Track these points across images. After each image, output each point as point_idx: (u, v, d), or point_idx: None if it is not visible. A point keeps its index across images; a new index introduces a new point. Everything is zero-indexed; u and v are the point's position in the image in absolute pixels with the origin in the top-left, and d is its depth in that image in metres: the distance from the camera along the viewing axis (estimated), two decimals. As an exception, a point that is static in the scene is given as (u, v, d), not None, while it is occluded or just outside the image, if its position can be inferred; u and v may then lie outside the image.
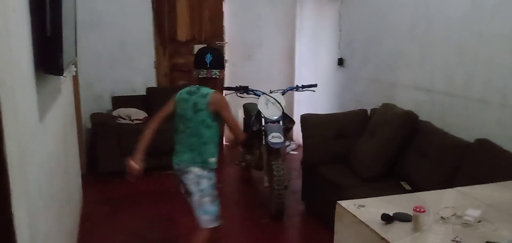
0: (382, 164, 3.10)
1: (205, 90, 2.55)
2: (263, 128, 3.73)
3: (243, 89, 3.94)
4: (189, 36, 5.41)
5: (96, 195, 4.12)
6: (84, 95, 4.88)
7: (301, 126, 3.65)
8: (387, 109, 3.35)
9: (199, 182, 2.57)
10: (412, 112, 3.14)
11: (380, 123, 3.23)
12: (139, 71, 5.27)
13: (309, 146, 3.61)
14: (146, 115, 4.83)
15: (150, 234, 3.44)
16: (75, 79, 4.18)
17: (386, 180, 3.04)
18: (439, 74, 3.30)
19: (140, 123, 4.76)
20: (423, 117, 3.20)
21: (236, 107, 4.99)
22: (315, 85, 4.03)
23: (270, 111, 3.76)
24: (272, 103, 3.79)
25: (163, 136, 4.57)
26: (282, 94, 3.91)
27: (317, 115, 3.76)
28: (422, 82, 3.48)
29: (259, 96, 3.86)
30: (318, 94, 4.63)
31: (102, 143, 4.44)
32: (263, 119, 3.76)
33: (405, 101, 3.55)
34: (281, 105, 3.77)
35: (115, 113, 4.81)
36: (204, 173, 2.58)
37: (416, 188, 2.83)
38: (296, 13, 5.71)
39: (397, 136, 3.08)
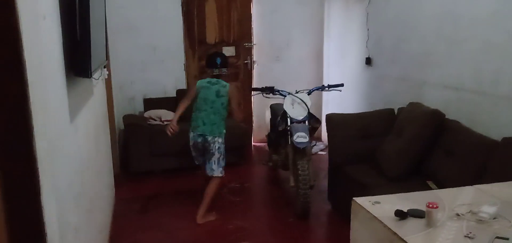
0: (408, 163, 3.07)
1: (223, 82, 3.67)
2: (288, 128, 3.76)
3: (269, 90, 3.99)
4: (218, 38, 5.51)
5: (128, 194, 4.28)
6: (117, 97, 5.08)
7: (327, 126, 3.66)
8: (414, 108, 3.31)
9: (220, 147, 3.62)
10: (439, 110, 3.09)
11: (407, 122, 3.20)
12: (170, 74, 5.42)
13: (334, 145, 3.62)
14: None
15: (178, 231, 3.54)
16: (108, 82, 4.35)
17: (412, 180, 3.00)
18: (467, 72, 3.23)
19: (168, 124, 4.90)
20: (451, 115, 3.14)
21: (263, 107, 5.06)
22: (341, 85, 4.02)
23: (295, 111, 3.79)
24: (297, 103, 3.82)
25: (189, 137, 4.70)
26: (308, 94, 3.92)
27: (342, 115, 3.76)
28: (450, 81, 3.41)
29: (285, 96, 3.90)
30: (346, 94, 4.63)
31: (134, 143, 4.60)
32: (289, 119, 3.79)
33: (433, 100, 3.49)
34: (307, 105, 3.79)
35: (146, 114, 4.97)
36: (221, 139, 3.63)
37: (442, 187, 2.80)
38: (324, 13, 5.70)
39: (424, 134, 3.04)
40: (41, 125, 1.46)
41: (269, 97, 4.11)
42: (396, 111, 3.65)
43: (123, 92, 5.29)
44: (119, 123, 4.99)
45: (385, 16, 4.35)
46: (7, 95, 1.30)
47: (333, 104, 5.44)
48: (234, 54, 5.61)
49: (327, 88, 4.02)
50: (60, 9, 1.91)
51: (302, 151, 3.55)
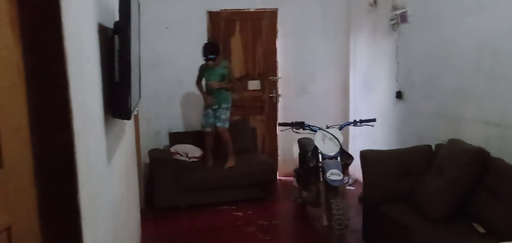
0: (451, 204, 2.91)
1: (222, 63, 4.75)
2: (320, 164, 3.65)
3: (298, 125, 3.89)
4: (243, 72, 5.49)
5: (154, 231, 4.19)
6: (143, 131, 5.05)
7: (361, 163, 3.54)
8: (455, 145, 3.17)
9: (227, 113, 4.79)
10: (483, 148, 2.94)
11: (448, 160, 3.05)
12: (195, 108, 5.38)
13: (370, 183, 3.48)
14: (202, 152, 4.90)
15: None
16: (136, 116, 4.33)
17: (456, 222, 2.84)
18: (510, 107, 3.09)
19: (196, 161, 4.84)
20: (493, 153, 2.99)
21: (289, 141, 4.95)
22: (373, 120, 3.91)
23: (327, 147, 3.68)
24: (329, 138, 3.71)
25: (215, 173, 4.63)
26: (339, 129, 3.82)
27: (378, 152, 3.63)
28: (491, 116, 3.27)
29: (316, 131, 3.80)
30: (375, 128, 4.47)
31: (159, 178, 4.53)
32: (320, 155, 3.68)
33: (473, 136, 3.34)
34: (338, 141, 3.68)
35: (172, 149, 4.92)
36: (229, 106, 4.80)
37: (491, 231, 2.63)
38: (350, 47, 5.64)
39: (467, 174, 2.88)
40: (85, 174, 1.39)
41: (298, 132, 4.01)
42: (433, 148, 3.51)
43: (149, 126, 5.27)
44: (144, 157, 4.95)
45: (416, 50, 4.26)
46: (54, 143, 1.24)
47: (360, 138, 5.32)
48: (259, 88, 5.56)
49: (359, 123, 3.90)
50: (100, 49, 1.87)
51: (335, 189, 3.42)
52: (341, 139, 3.71)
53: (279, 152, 5.74)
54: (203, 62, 4.69)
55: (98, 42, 1.85)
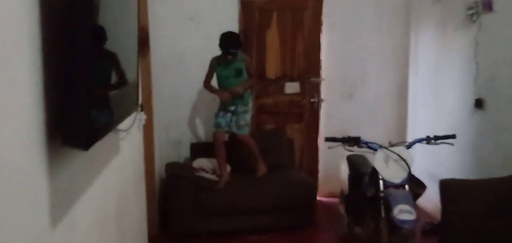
0: None
1: (239, 56, 3.89)
2: (382, 194, 2.76)
3: (353, 141, 3.00)
4: (280, 72, 4.64)
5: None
6: (161, 140, 4.31)
7: (441, 196, 2.62)
8: None
9: (247, 117, 3.98)
10: None
11: None
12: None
13: (453, 224, 2.58)
14: (230, 168, 4.07)
15: None
16: (149, 124, 3.57)
17: None
18: None
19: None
20: None
21: (332, 154, 3.94)
22: (453, 136, 2.97)
23: (391, 171, 2.79)
24: (393, 160, 2.82)
25: (242, 193, 3.79)
26: (408, 148, 2.91)
27: (463, 181, 2.71)
28: None
29: (376, 150, 2.91)
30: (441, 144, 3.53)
31: (175, 199, 3.74)
32: (381, 182, 2.80)
33: None
34: (407, 164, 2.78)
35: (195, 163, 4.13)
36: (248, 108, 4.01)
37: None
38: (409, 42, 4.68)
39: None
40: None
41: (352, 151, 3.11)
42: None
43: (168, 134, 4.51)
44: (160, 170, 4.18)
45: (505, 47, 3.29)
46: None
47: (419, 156, 4.32)
48: (298, 91, 4.69)
49: (434, 141, 2.97)
50: (41, 25, 1.07)
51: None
52: (410, 161, 2.81)
53: (320, 167, 4.85)
54: (213, 55, 3.99)
55: (38, 14, 1.05)
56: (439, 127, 3.95)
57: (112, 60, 1.47)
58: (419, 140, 3.01)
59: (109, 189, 1.90)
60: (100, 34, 1.26)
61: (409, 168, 2.78)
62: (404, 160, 2.79)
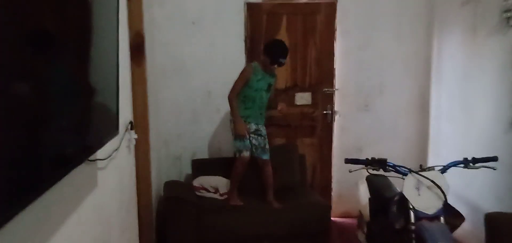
0: None
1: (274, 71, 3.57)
2: (413, 227, 2.35)
3: (377, 164, 2.58)
4: (290, 82, 4.25)
5: None
6: (159, 156, 3.95)
7: (487, 232, 2.21)
8: None
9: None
10: None
11: None
12: (227, 126, 4.19)
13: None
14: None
15: None
16: (144, 140, 3.19)
17: None
18: None
19: (227, 198, 3.64)
20: None
21: (353, 176, 3.55)
22: (494, 159, 2.56)
23: (424, 200, 2.39)
24: (427, 187, 2.41)
25: (250, 218, 3.40)
26: (442, 172, 2.50)
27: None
28: None
29: (405, 174, 2.50)
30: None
31: (175, 224, 3.34)
32: (412, 213, 2.39)
33: None
34: (443, 191, 2.37)
35: (196, 182, 3.74)
36: None
37: None
38: (432, 50, 4.28)
39: None
40: None
41: (377, 174, 2.70)
42: None
43: (167, 149, 4.13)
44: (159, 189, 3.79)
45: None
46: None
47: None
48: (310, 102, 4.30)
49: (472, 165, 2.56)
50: None
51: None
52: (446, 188, 2.40)
53: (334, 185, 4.45)
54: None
55: None
56: (469, 145, 3.55)
57: (68, 79, 1.08)
58: (455, 164, 2.58)
59: (87, 226, 1.51)
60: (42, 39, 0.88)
61: (445, 196, 2.37)
62: (439, 187, 2.38)
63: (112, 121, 1.57)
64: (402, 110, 4.39)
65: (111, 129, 1.57)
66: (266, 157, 3.60)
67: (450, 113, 4.03)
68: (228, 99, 3.51)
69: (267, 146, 3.62)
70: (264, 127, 3.64)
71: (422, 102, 4.36)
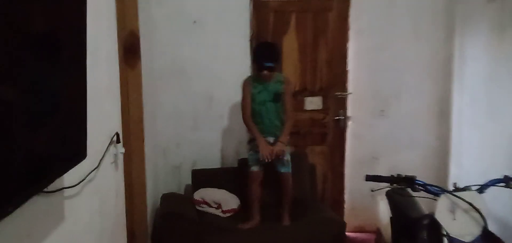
0: None
1: (277, 76, 3.28)
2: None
3: (405, 182, 2.26)
4: (299, 85, 3.93)
5: None
6: (156, 166, 3.65)
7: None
8: None
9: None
10: None
11: None
12: (231, 133, 3.91)
13: None
14: (240, 202, 3.36)
15: None
16: (139, 150, 2.89)
17: None
18: None
19: (231, 215, 3.33)
20: None
21: (359, 179, 3.17)
22: (542, 176, 2.23)
23: (460, 226, 2.08)
24: (463, 210, 2.08)
25: (258, 237, 3.09)
26: (480, 192, 2.18)
27: None
28: None
29: (437, 195, 2.18)
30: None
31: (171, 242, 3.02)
32: (446, 240, 2.07)
33: None
34: (482, 215, 2.05)
35: (197, 195, 3.43)
36: None
37: None
38: (453, 51, 3.95)
39: None
40: None
41: (402, 193, 2.38)
42: None
43: (166, 158, 3.83)
44: (155, 202, 3.49)
45: None
46: None
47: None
48: (320, 107, 3.99)
49: (513, 183, 2.23)
50: None
51: None
52: (486, 212, 2.07)
53: (346, 196, 4.13)
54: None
55: None
56: (497, 156, 3.23)
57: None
58: (495, 182, 2.25)
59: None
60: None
61: (485, 222, 2.05)
62: (478, 211, 2.06)
63: (77, 143, 1.26)
64: (420, 116, 4.06)
65: (76, 153, 1.25)
66: (284, 170, 3.31)
67: (473, 120, 3.70)
68: (244, 122, 3.34)
69: (286, 158, 3.31)
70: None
71: (442, 107, 4.03)
